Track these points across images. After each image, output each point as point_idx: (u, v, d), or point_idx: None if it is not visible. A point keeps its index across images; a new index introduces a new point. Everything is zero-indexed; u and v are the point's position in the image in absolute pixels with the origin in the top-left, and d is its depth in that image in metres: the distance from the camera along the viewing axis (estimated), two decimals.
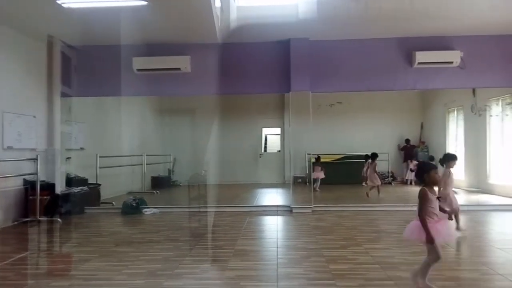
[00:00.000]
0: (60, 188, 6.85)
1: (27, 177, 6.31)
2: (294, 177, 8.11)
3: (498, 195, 8.49)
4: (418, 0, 5.54)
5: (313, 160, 9.95)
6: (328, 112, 12.49)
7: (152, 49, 7.27)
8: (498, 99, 8.84)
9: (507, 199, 7.91)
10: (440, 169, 4.65)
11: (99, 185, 7.86)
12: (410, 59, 7.15)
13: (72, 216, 6.60)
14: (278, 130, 13.35)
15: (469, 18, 6.27)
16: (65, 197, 6.70)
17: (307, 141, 7.53)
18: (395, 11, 6.01)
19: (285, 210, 7.06)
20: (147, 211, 6.97)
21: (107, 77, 7.41)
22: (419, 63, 7.01)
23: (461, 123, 10.46)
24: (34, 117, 6.72)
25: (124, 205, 7.05)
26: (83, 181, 7.51)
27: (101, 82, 7.46)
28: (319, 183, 10.15)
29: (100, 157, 8.12)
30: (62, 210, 6.49)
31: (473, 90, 9.41)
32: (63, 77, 7.18)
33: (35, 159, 6.26)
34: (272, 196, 9.40)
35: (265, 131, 13.72)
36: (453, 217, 4.94)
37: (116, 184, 9.08)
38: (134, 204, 7.03)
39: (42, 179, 6.42)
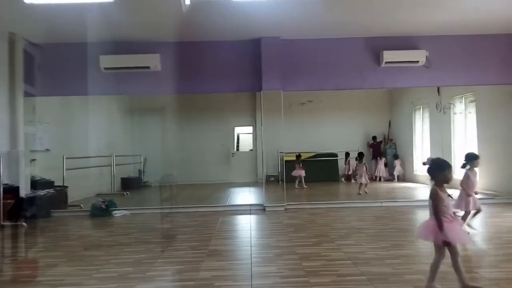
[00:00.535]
0: (24, 191, 6.58)
1: None
2: (266, 175, 8.16)
3: None
4: (386, 1, 5.66)
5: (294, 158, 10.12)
6: (300, 110, 12.62)
7: (120, 47, 7.11)
8: (462, 97, 9.19)
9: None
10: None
11: (66, 187, 7.62)
12: (378, 59, 7.31)
13: (38, 220, 6.35)
14: (250, 129, 13.37)
15: (434, 19, 6.47)
16: (30, 200, 6.45)
17: (279, 139, 7.57)
18: (363, 11, 6.13)
19: (258, 209, 7.07)
20: (117, 213, 6.81)
21: (73, 75, 7.19)
22: (386, 62, 7.18)
23: (427, 120, 10.81)
24: None
25: (93, 207, 6.86)
26: (49, 184, 7.24)
27: (66, 81, 7.22)
28: (303, 181, 10.30)
29: (66, 158, 7.87)
30: (27, 214, 6.24)
31: (438, 89, 9.74)
32: (26, 76, 6.89)
33: None
34: (245, 195, 9.40)
35: (237, 130, 13.71)
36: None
37: (84, 186, 8.82)
38: (103, 206, 6.85)
39: (5, 182, 6.14)
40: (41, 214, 6.58)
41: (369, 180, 9.39)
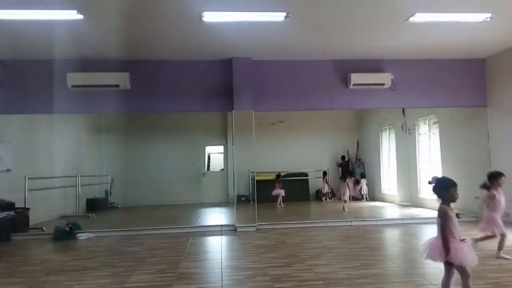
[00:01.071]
0: None
1: None
2: (237, 195, 8.10)
3: (428, 208, 9.06)
4: (354, 25, 5.87)
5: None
6: (271, 130, 12.71)
7: (88, 64, 7.00)
8: (425, 118, 9.55)
9: (436, 212, 8.44)
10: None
11: (28, 209, 7.26)
12: (346, 80, 7.51)
13: None
14: (221, 149, 13.30)
15: (399, 44, 6.76)
16: None
17: (250, 159, 7.57)
18: (331, 36, 6.33)
19: (229, 230, 6.98)
20: (82, 236, 6.55)
21: (38, 93, 6.97)
22: (354, 84, 7.39)
23: (393, 140, 11.13)
24: None
25: (56, 230, 6.56)
26: (9, 206, 6.87)
27: (31, 99, 6.99)
28: (281, 200, 10.44)
29: (29, 179, 7.53)
30: None
31: (403, 110, 10.09)
32: None
33: None
34: (216, 216, 9.27)
35: (208, 149, 13.61)
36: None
37: (47, 208, 8.46)
38: (67, 229, 6.56)
39: None
40: (0, 237, 6.24)
41: (348, 198, 9.90)
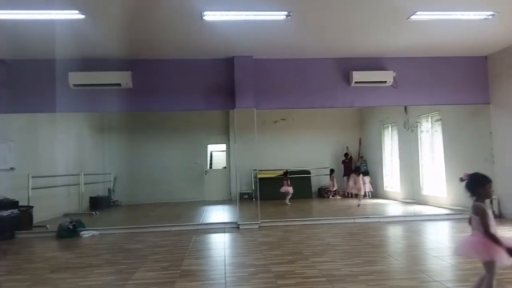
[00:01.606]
0: None
1: None
2: (240, 193, 8.11)
3: (431, 205, 9.07)
4: (355, 23, 5.87)
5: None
6: (273, 128, 12.71)
7: (90, 64, 7.02)
8: (428, 116, 9.54)
9: (439, 209, 8.47)
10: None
11: (31, 207, 7.29)
12: (347, 78, 7.51)
13: (1, 242, 6.07)
14: (223, 147, 13.32)
15: (401, 41, 6.75)
16: None
17: (252, 157, 7.59)
18: (333, 34, 6.32)
19: (232, 227, 7.00)
20: (85, 234, 6.58)
21: (40, 92, 7.00)
22: (356, 82, 7.39)
23: (395, 138, 11.11)
24: None
25: (60, 228, 6.60)
26: (13, 204, 6.91)
27: (33, 98, 7.02)
28: (289, 197, 10.46)
29: (32, 177, 7.57)
30: None
31: (405, 108, 10.07)
32: None
33: None
34: (219, 213, 9.30)
35: (211, 147, 13.63)
36: None
37: (51, 206, 8.49)
38: (71, 227, 6.60)
39: None
40: (4, 235, 6.30)
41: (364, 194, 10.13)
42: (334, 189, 12.17)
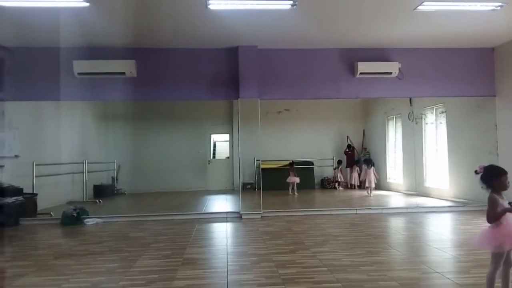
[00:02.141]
0: None
1: None
2: (243, 183, 8.14)
3: (434, 197, 9.07)
4: (361, 13, 5.81)
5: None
6: (276, 119, 12.70)
7: (94, 52, 7.01)
8: (433, 108, 9.49)
9: (441, 201, 8.47)
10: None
11: (36, 194, 7.36)
12: (352, 69, 7.46)
13: (6, 228, 6.13)
14: (227, 137, 13.33)
15: (407, 32, 6.68)
16: None
17: (255, 147, 7.59)
18: (338, 24, 6.27)
19: (235, 217, 7.04)
20: (89, 221, 6.64)
21: (45, 80, 7.00)
22: (361, 73, 7.34)
23: (400, 130, 11.08)
24: None
25: (64, 215, 6.66)
26: (17, 191, 6.97)
27: (38, 86, 7.02)
28: (295, 188, 10.54)
29: (37, 165, 7.62)
30: None
31: (410, 99, 10.03)
32: None
33: None
34: (221, 203, 9.34)
35: (214, 137, 13.65)
36: None
37: (55, 194, 8.56)
38: (75, 214, 6.66)
39: None
40: (9, 222, 6.35)
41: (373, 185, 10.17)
42: (340, 180, 12.17)
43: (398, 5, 5.51)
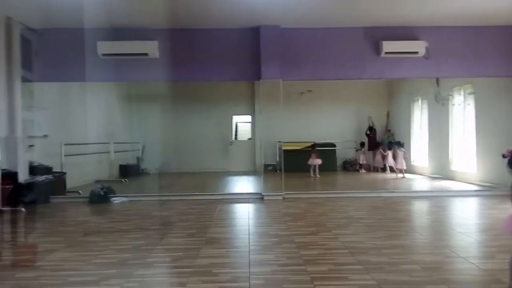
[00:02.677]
0: (23, 176, 6.59)
1: None
2: (265, 164, 8.17)
3: (460, 181, 8.88)
4: None
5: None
6: (298, 100, 12.60)
7: (118, 33, 7.07)
8: (460, 88, 9.19)
9: (467, 185, 8.29)
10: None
11: (65, 173, 7.62)
12: (377, 49, 7.28)
13: (37, 206, 6.38)
14: (248, 118, 13.35)
15: (434, 10, 6.44)
16: (29, 186, 6.46)
17: (277, 129, 7.58)
18: (363, 1, 6.09)
19: (256, 198, 7.11)
20: (116, 200, 6.84)
21: (71, 61, 7.13)
22: (386, 52, 7.15)
23: (425, 111, 10.81)
24: None
25: (92, 194, 6.88)
26: (47, 170, 7.24)
27: (64, 67, 7.17)
28: (317, 170, 10.61)
29: (65, 144, 7.86)
30: (26, 200, 6.25)
31: (437, 80, 9.73)
32: (23, 62, 6.83)
33: None
34: (243, 184, 9.43)
35: (236, 118, 13.69)
36: None
37: (83, 173, 8.84)
38: (102, 193, 6.87)
39: (3, 167, 6.14)
40: (39, 200, 6.59)
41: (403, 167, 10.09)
42: (363, 162, 12.06)
43: None
